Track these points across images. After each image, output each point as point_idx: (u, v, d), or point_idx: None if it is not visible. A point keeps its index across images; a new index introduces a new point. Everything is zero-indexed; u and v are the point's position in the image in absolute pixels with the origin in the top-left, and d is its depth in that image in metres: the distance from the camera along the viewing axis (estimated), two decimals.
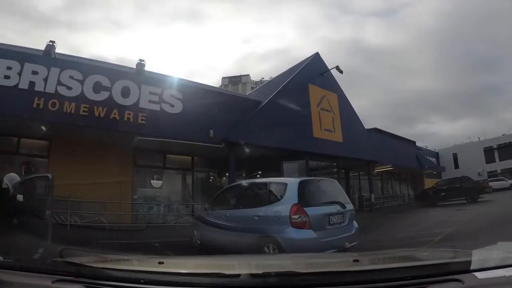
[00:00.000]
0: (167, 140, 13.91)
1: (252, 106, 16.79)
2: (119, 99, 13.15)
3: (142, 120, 13.29)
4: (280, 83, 19.08)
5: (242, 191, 9.04)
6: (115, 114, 12.84)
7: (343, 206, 7.63)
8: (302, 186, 7.34)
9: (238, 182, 10.24)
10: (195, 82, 17.73)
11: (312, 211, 6.94)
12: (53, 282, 1.93)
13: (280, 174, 16.34)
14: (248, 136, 14.98)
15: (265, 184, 8.11)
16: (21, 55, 12.26)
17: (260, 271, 2.05)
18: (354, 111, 22.65)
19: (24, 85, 11.73)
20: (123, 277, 1.99)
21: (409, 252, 3.47)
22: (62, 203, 12.31)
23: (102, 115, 12.64)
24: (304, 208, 6.87)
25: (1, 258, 2.16)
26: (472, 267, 1.83)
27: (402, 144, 31.06)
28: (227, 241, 7.83)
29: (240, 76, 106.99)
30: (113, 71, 13.90)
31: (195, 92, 15.26)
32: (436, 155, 49.10)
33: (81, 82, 12.56)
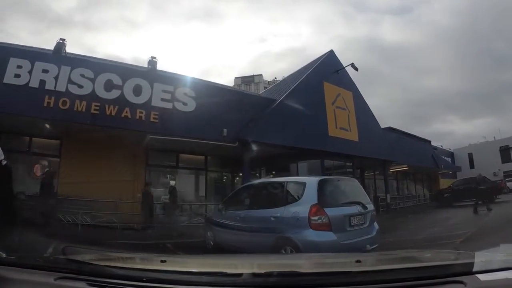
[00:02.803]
0: (180, 138, 13.65)
1: (266, 105, 16.46)
2: (131, 97, 12.97)
3: (154, 118, 13.09)
4: (294, 81, 18.74)
5: (257, 191, 8.68)
6: (126, 112, 12.67)
7: (364, 207, 7.24)
8: (321, 185, 6.97)
9: (253, 182, 9.88)
10: (208, 81, 17.44)
11: (332, 211, 6.59)
12: (55, 279, 1.92)
13: (294, 174, 16.00)
14: (262, 135, 14.65)
15: (282, 183, 7.74)
16: (32, 54, 12.19)
17: (262, 271, 2.05)
18: (370, 109, 22.16)
19: (34, 83, 11.64)
20: (126, 275, 1.98)
21: (411, 253, 3.47)
22: (73, 202, 12.43)
23: (113, 113, 12.48)
24: (324, 209, 6.52)
25: (4, 255, 2.14)
26: (474, 269, 1.83)
27: (418, 143, 30.54)
28: (242, 243, 7.54)
29: (253, 76, 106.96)
30: (125, 69, 13.77)
31: (208, 90, 14.98)
32: (451, 154, 48.17)
33: (92, 81, 12.45)
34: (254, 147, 14.62)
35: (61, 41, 13.23)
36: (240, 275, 1.92)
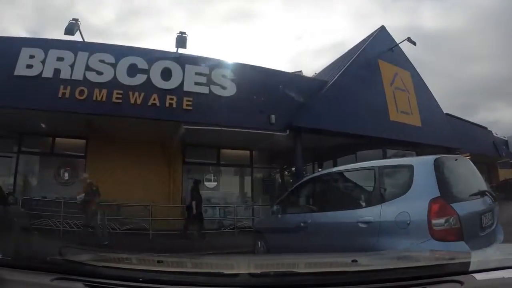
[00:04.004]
0: (220, 128, 11.69)
1: (318, 87, 14.29)
2: (159, 82, 11.34)
3: (187, 105, 11.36)
4: (346, 61, 16.43)
5: (330, 185, 6.16)
6: (154, 99, 11.03)
7: (492, 199, 4.87)
8: (440, 168, 4.44)
9: (322, 173, 7.38)
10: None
11: (461, 208, 4.12)
12: (52, 280, 1.86)
13: None
14: (316, 121, 12.56)
15: (372, 170, 5.10)
16: (46, 42, 11.24)
17: (259, 271, 2.11)
18: (430, 90, 19.60)
19: (48, 73, 10.67)
20: (122, 275, 1.93)
21: (408, 252, 3.35)
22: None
23: (139, 101, 10.94)
24: (451, 205, 4.10)
25: (0, 255, 2.07)
26: (471, 268, 1.81)
27: (477, 130, 27.72)
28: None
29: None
30: (151, 51, 12.06)
31: (251, 72, 12.93)
32: (505, 142, 44.69)
33: (113, 66, 11.15)
34: (307, 137, 12.66)
35: (73, 22, 11.90)
36: (236, 275, 1.90)
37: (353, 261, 2.39)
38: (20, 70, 10.48)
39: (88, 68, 10.89)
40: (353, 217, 4.77)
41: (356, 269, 2.16)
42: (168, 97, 11.22)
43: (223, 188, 15.32)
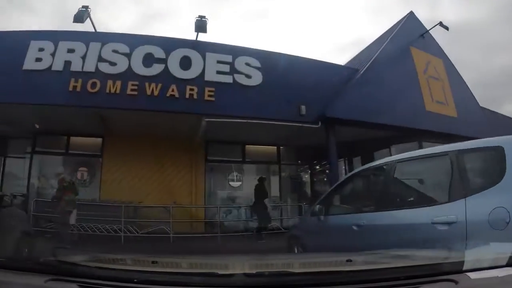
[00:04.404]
0: (245, 120, 10.86)
1: (348, 76, 13.33)
2: (178, 72, 10.54)
3: (209, 96, 10.53)
4: (376, 48, 15.40)
5: (387, 178, 4.92)
6: (173, 90, 10.25)
7: None
8: None
9: (376, 163, 6.16)
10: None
11: None
12: (46, 282, 1.84)
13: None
14: (351, 112, 11.58)
15: (445, 156, 4.06)
16: (55, 34, 10.74)
17: (253, 271, 2.10)
18: (463, 80, 18.46)
19: (58, 66, 10.09)
20: (117, 276, 1.92)
21: (402, 252, 3.18)
22: (115, 209, 11.12)
23: (156, 93, 10.20)
24: None
25: None
26: (465, 268, 1.80)
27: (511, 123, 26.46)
28: None
29: None
30: (168, 40, 11.29)
31: (277, 60, 11.98)
32: None
33: (128, 56, 10.43)
34: (340, 129, 11.66)
35: (83, 9, 11.09)
36: (231, 275, 1.92)
37: (347, 260, 2.44)
38: (29, 64, 9.97)
39: (100, 59, 10.26)
40: (425, 216, 3.75)
41: (350, 268, 2.21)
42: (188, 87, 10.44)
43: (248, 187, 14.40)
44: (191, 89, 10.37)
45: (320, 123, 11.34)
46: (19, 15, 35.21)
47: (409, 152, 4.99)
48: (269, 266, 2.74)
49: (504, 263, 1.80)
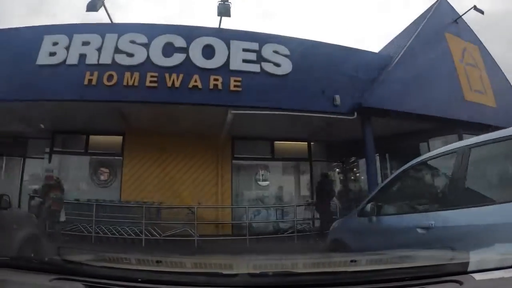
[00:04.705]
0: (274, 112, 10.21)
1: (383, 63, 12.51)
2: (200, 61, 9.91)
3: (235, 86, 9.87)
4: (410, 35, 14.50)
5: (461, 167, 4.09)
6: (195, 81, 9.63)
7: None
8: None
9: (443, 150, 5.12)
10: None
11: None
12: (50, 281, 1.84)
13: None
14: (388, 102, 10.81)
15: None
16: (70, 27, 10.45)
17: (257, 271, 2.08)
18: (500, 68, 17.53)
19: (72, 60, 9.70)
20: (122, 275, 1.91)
21: (407, 252, 3.19)
22: (135, 210, 10.88)
23: (177, 84, 9.61)
24: None
25: None
26: (470, 269, 1.75)
27: None
28: None
29: None
30: (189, 28, 10.70)
31: (307, 47, 11.20)
32: None
33: (146, 46, 9.90)
34: (378, 121, 10.86)
35: None
36: (235, 275, 1.88)
37: (352, 261, 2.49)
38: (43, 59, 9.64)
39: (117, 50, 9.78)
40: None
41: (355, 269, 2.21)
42: (212, 77, 9.83)
43: (277, 186, 14.07)
44: (216, 79, 9.78)
45: (356, 114, 10.60)
46: (30, 14, 35.40)
47: (486, 135, 4.05)
48: (273, 266, 2.75)
49: (510, 264, 1.76)
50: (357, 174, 14.92)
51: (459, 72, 13.76)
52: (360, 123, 10.85)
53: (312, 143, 14.58)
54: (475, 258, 1.90)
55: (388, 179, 5.29)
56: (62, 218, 9.58)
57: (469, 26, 16.15)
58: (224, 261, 3.26)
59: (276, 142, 14.06)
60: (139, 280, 1.78)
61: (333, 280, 1.81)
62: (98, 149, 13.04)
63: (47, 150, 12.71)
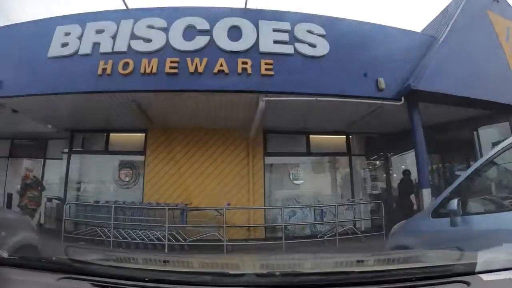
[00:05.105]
0: (312, 98, 9.12)
1: (427, 44, 11.38)
2: (226, 44, 8.95)
3: (267, 70, 8.81)
4: (451, 14, 13.15)
5: None
6: (221, 65, 8.70)
7: None
8: None
9: None
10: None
11: None
12: (58, 280, 1.86)
13: (469, 149, 11.49)
14: (439, 85, 9.62)
15: None
16: (83, 16, 9.79)
17: (264, 271, 2.12)
18: None
19: (85, 49, 9.08)
20: (128, 275, 1.91)
21: (414, 253, 3.40)
22: (158, 213, 10.19)
23: (200, 69, 8.67)
24: None
25: (6, 255, 2.07)
26: (477, 269, 1.73)
27: None
28: None
29: None
30: (211, 9, 9.78)
31: (344, 26, 10.25)
32: None
33: (165, 30, 9.09)
34: (427, 106, 9.80)
35: None
36: (242, 275, 1.86)
37: (358, 261, 2.47)
38: (55, 50, 9.11)
39: (133, 36, 9.02)
40: None
41: (361, 269, 2.17)
42: (240, 61, 8.84)
43: (313, 184, 13.18)
44: (244, 63, 8.80)
45: (403, 100, 9.53)
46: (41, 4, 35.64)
47: None
48: (280, 266, 2.75)
49: None
50: (400, 169, 13.69)
51: (507, 53, 12.60)
52: (407, 110, 9.82)
53: (350, 136, 13.66)
54: (482, 258, 1.85)
55: (473, 168, 4.03)
56: (37, 216, 9.58)
57: (509, 4, 15.20)
58: (231, 261, 3.37)
59: (311, 136, 13.19)
60: (146, 279, 1.78)
61: (340, 280, 1.79)
62: (119, 148, 12.67)
63: (66, 150, 12.42)
